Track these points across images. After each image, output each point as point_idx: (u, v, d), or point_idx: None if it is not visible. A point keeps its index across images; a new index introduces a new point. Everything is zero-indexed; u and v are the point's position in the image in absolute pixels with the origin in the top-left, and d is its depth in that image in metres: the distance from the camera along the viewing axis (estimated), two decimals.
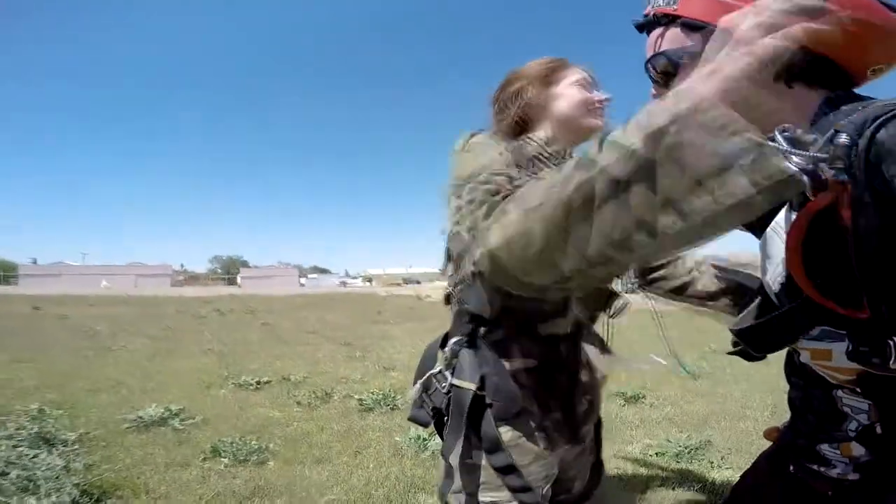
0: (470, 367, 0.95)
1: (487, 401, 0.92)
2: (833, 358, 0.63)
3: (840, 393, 0.67)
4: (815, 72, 0.64)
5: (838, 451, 0.69)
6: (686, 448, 2.74)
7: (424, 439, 2.77)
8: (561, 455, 0.99)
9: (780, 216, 0.64)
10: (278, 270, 71.32)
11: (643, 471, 2.53)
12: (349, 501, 2.18)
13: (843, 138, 0.53)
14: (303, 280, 68.63)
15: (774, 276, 0.67)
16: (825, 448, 0.71)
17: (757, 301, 0.71)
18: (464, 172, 0.91)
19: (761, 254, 0.70)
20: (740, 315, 0.73)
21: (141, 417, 3.22)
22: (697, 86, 0.50)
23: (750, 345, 0.67)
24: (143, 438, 2.95)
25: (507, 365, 0.95)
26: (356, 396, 3.87)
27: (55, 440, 2.70)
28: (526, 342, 0.97)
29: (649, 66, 0.74)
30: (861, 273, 0.52)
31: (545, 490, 0.95)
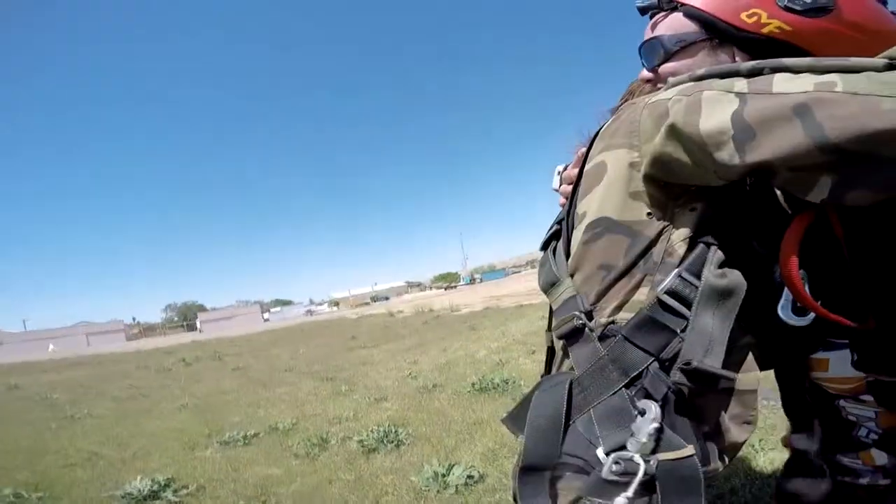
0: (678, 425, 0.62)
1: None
2: (830, 368, 0.63)
3: (843, 403, 0.66)
4: None
5: (860, 461, 0.67)
6: None
7: (443, 475, 2.67)
8: None
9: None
10: (239, 309, 69.11)
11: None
12: None
13: None
14: (266, 315, 66.69)
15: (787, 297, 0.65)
16: (845, 460, 0.69)
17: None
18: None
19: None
20: None
21: (129, 493, 2.99)
22: None
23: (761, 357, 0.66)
24: None
25: None
26: (355, 438, 3.73)
27: None
28: None
29: (643, 48, 0.75)
30: (862, 283, 0.52)
31: None
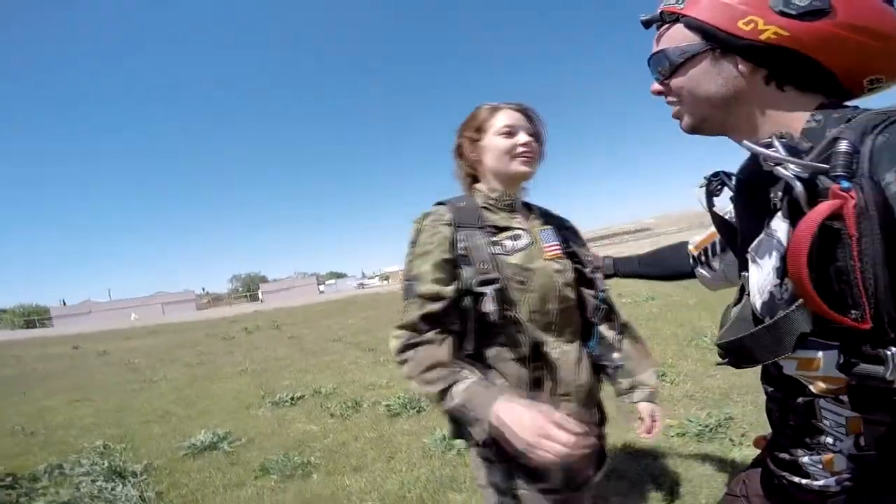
0: None
1: None
2: (820, 367, 0.62)
3: (823, 402, 0.66)
4: (808, 77, 0.64)
5: (820, 465, 0.68)
6: (707, 427, 2.73)
7: (450, 439, 3.01)
8: None
9: (775, 223, 0.64)
10: (297, 281, 72.06)
11: (664, 454, 2.56)
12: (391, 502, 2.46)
13: (843, 146, 0.54)
14: (321, 287, 69.26)
15: (763, 285, 0.66)
16: (806, 460, 0.70)
17: (737, 313, 0.72)
18: (410, 271, 1.12)
19: (746, 264, 0.70)
20: (723, 329, 0.73)
21: (193, 444, 3.56)
22: (491, 411, 0.91)
23: (737, 357, 0.66)
24: (199, 463, 3.29)
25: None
26: (384, 403, 4.17)
27: (125, 472, 3.05)
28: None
29: (650, 62, 0.75)
30: (865, 282, 0.51)
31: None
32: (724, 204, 0.86)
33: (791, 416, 0.70)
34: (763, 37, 0.62)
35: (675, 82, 0.72)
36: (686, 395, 3.45)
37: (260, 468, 3.03)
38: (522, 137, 1.20)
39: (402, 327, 1.09)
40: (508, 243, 1.16)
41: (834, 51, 0.61)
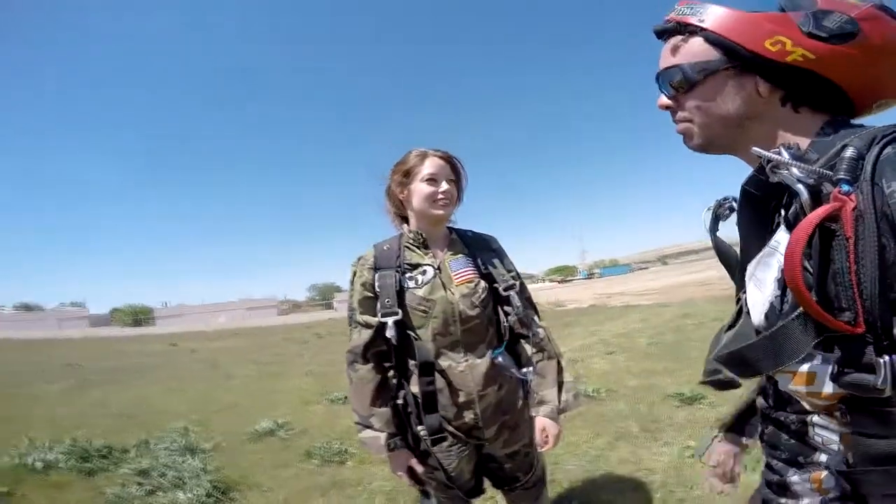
0: None
1: None
2: (816, 382, 0.60)
3: (816, 419, 0.64)
4: (824, 98, 0.64)
5: (808, 483, 0.66)
6: (699, 450, 2.59)
7: None
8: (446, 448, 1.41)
9: (778, 236, 0.64)
10: None
11: (668, 472, 2.55)
12: (399, 492, 2.71)
13: (850, 152, 0.54)
14: None
15: (764, 299, 0.64)
16: (795, 479, 0.68)
17: (735, 332, 0.71)
18: (350, 304, 1.47)
19: (747, 278, 0.69)
20: (721, 343, 0.72)
21: (256, 430, 4.07)
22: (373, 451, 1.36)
23: (738, 369, 0.64)
24: (257, 446, 3.78)
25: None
26: None
27: (196, 449, 3.59)
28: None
29: (662, 76, 0.71)
30: (860, 284, 0.50)
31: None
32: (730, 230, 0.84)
33: (785, 433, 0.69)
34: (789, 58, 0.60)
35: (688, 99, 0.70)
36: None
37: (305, 453, 3.43)
38: (443, 185, 1.43)
39: (349, 351, 1.45)
40: (419, 277, 1.41)
41: (857, 74, 0.61)
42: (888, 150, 0.53)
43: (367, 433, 1.40)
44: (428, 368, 1.34)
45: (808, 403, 0.64)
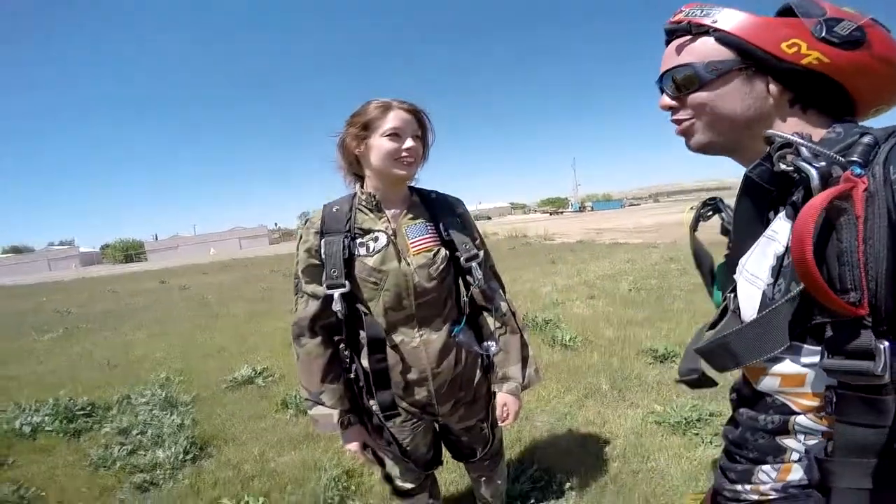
0: None
1: None
2: (807, 383, 0.61)
3: (801, 419, 0.65)
4: (831, 101, 0.67)
5: (775, 475, 0.68)
6: (686, 419, 2.64)
7: None
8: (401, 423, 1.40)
9: (776, 225, 0.65)
10: None
11: (629, 439, 2.57)
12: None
13: (868, 139, 0.57)
14: None
15: (759, 289, 0.65)
16: (765, 468, 0.69)
17: (719, 327, 0.71)
18: (295, 272, 1.37)
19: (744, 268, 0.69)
20: (707, 334, 0.73)
21: (235, 378, 4.12)
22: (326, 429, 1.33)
23: (720, 360, 0.65)
24: (235, 396, 3.84)
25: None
26: None
27: (177, 402, 3.65)
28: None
29: (668, 75, 0.73)
30: (867, 264, 0.51)
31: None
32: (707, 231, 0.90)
33: (758, 434, 0.70)
34: (805, 61, 0.63)
35: (697, 98, 0.71)
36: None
37: (281, 402, 3.49)
38: (408, 143, 1.25)
39: (295, 324, 1.35)
40: (371, 244, 1.29)
41: (864, 79, 0.64)
42: None
43: (318, 410, 1.35)
44: (378, 345, 1.27)
45: (796, 405, 0.64)
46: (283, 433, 3.06)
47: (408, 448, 1.43)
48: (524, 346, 1.47)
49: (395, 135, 1.24)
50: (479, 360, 1.47)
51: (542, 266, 10.29)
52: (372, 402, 1.35)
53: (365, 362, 1.31)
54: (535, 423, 2.85)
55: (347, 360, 1.37)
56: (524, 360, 1.45)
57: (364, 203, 1.32)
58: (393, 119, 1.24)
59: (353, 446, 1.39)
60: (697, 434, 2.56)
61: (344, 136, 1.31)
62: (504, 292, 1.49)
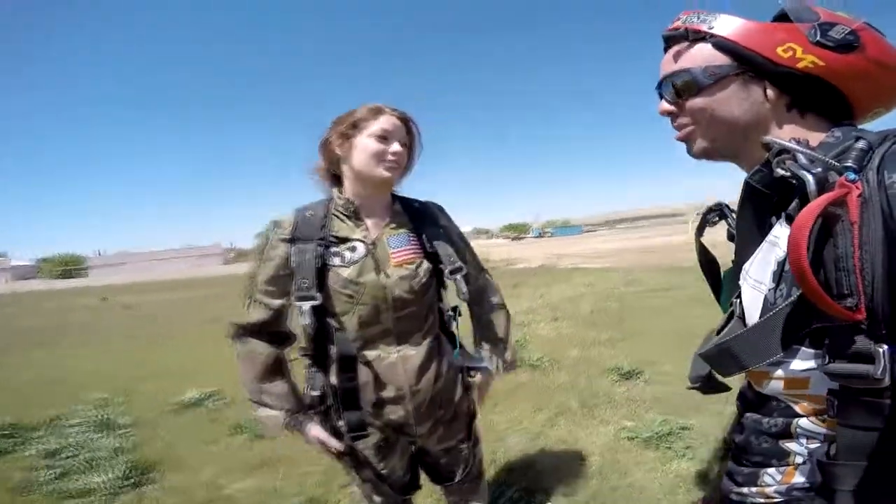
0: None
1: None
2: (810, 386, 0.61)
3: (803, 422, 0.65)
4: (828, 105, 0.67)
5: (779, 477, 0.68)
6: (657, 434, 2.67)
7: None
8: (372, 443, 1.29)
9: (777, 231, 0.65)
10: None
11: (604, 456, 2.56)
12: (335, 472, 2.53)
13: (861, 143, 0.57)
14: None
15: (763, 294, 0.65)
16: (770, 471, 0.69)
17: (725, 331, 0.71)
18: (252, 275, 1.27)
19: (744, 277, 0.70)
20: (713, 341, 0.71)
21: (182, 401, 3.84)
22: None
23: (723, 365, 0.65)
24: (183, 419, 3.55)
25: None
26: None
27: (114, 424, 3.33)
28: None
29: (667, 80, 0.73)
30: (863, 269, 0.51)
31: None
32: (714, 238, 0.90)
33: (762, 437, 0.70)
34: (800, 65, 0.63)
35: (695, 103, 0.71)
36: (654, 398, 3.35)
37: (235, 427, 3.25)
38: (395, 146, 1.21)
39: (238, 325, 1.27)
40: (347, 254, 1.21)
41: (860, 82, 0.65)
42: None
43: (264, 411, 1.27)
44: (348, 363, 1.18)
45: (800, 408, 0.64)
46: (236, 458, 2.83)
47: (383, 471, 1.32)
48: (502, 356, 1.46)
49: (382, 137, 1.19)
50: (459, 375, 1.40)
51: (506, 289, 9.99)
52: (340, 423, 1.25)
53: (334, 379, 1.23)
54: (509, 444, 2.76)
55: (313, 377, 1.27)
56: (507, 345, 1.47)
57: (341, 209, 1.24)
58: (383, 122, 1.20)
59: (315, 436, 1.26)
60: (670, 448, 2.56)
61: (328, 136, 1.25)
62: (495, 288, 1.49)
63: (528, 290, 9.82)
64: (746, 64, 0.66)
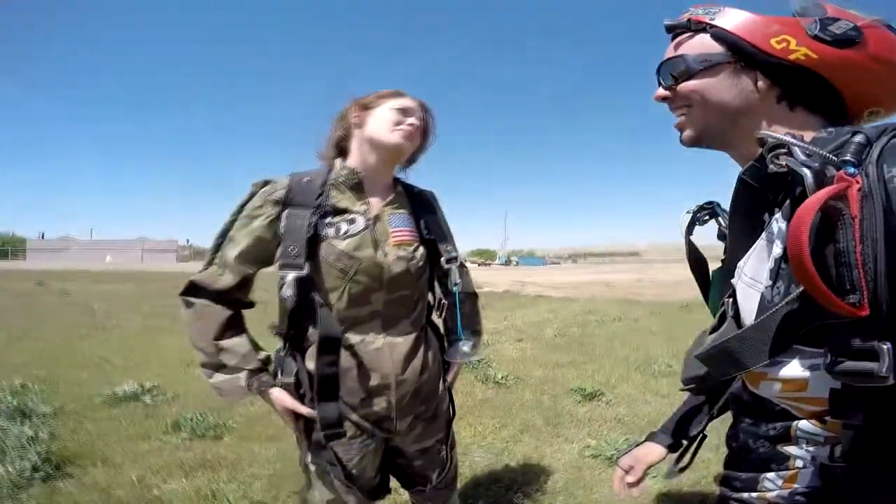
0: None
1: None
2: (809, 387, 0.60)
3: (802, 424, 0.63)
4: (820, 100, 0.67)
5: (780, 482, 0.66)
6: (621, 452, 2.60)
7: None
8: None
9: (774, 227, 0.64)
10: None
11: (569, 472, 2.54)
12: (285, 477, 2.37)
13: (859, 137, 0.56)
14: None
15: (759, 291, 0.64)
16: (770, 476, 0.67)
17: (719, 332, 0.70)
18: (226, 230, 1.15)
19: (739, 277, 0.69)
20: (707, 339, 0.71)
21: (115, 393, 3.48)
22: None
23: (721, 365, 0.64)
24: (114, 413, 3.20)
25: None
26: None
27: (31, 413, 2.96)
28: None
29: (664, 67, 0.75)
30: (865, 264, 0.50)
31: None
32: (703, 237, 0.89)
33: (759, 441, 0.69)
34: (793, 57, 0.63)
35: (686, 86, 0.72)
36: (616, 419, 3.42)
37: (172, 424, 2.96)
38: (412, 119, 1.19)
39: (196, 285, 1.14)
40: (343, 226, 1.14)
41: (854, 78, 0.64)
42: (895, 140, 0.54)
43: (219, 377, 1.12)
44: (331, 345, 1.06)
45: (798, 411, 0.63)
46: (171, 457, 2.54)
47: (353, 471, 1.18)
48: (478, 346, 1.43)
49: (401, 111, 1.18)
50: (442, 370, 1.32)
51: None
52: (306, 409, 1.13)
53: (311, 364, 1.11)
54: (474, 459, 2.64)
55: (285, 362, 1.15)
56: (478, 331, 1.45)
57: (343, 178, 1.18)
58: (404, 101, 1.20)
59: (280, 400, 1.12)
60: None
61: (347, 108, 1.23)
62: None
63: (494, 312, 9.79)
64: (738, 53, 0.67)
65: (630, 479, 1.06)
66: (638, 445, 1.09)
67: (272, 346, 1.22)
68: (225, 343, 1.11)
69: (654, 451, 1.06)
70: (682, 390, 0.83)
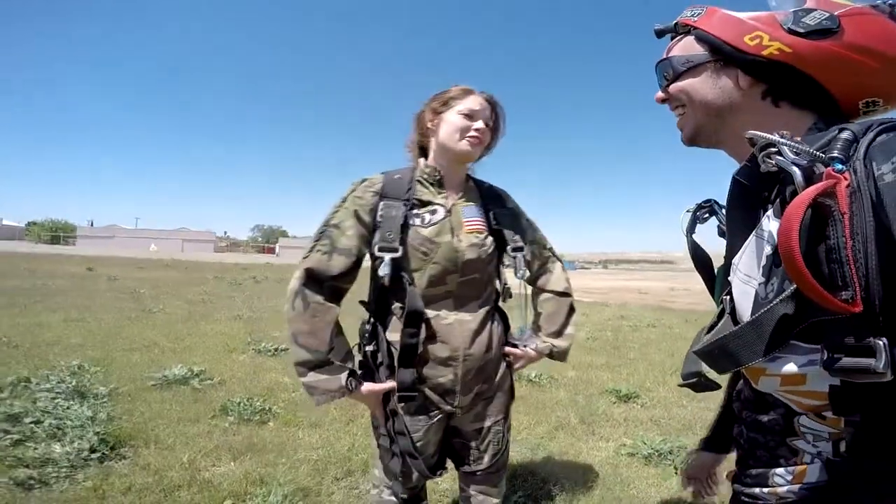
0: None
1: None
2: (806, 383, 0.59)
3: (804, 420, 0.63)
4: (805, 95, 0.66)
5: (790, 477, 0.66)
6: (657, 451, 2.71)
7: None
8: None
9: (766, 224, 0.63)
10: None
11: (605, 468, 2.57)
12: (329, 463, 2.46)
13: (846, 134, 0.56)
14: None
15: (753, 288, 0.63)
16: (780, 471, 0.67)
17: (717, 328, 0.70)
18: (331, 220, 1.27)
19: (732, 271, 0.69)
20: (705, 337, 0.70)
21: (165, 376, 3.64)
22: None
23: (718, 362, 0.63)
24: (164, 395, 3.35)
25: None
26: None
27: (88, 393, 3.13)
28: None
29: (657, 69, 0.79)
30: (856, 260, 0.50)
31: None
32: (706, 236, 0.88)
33: (767, 436, 0.69)
34: (766, 52, 0.64)
35: (675, 87, 0.75)
36: (651, 420, 3.44)
37: (220, 408, 3.08)
38: (479, 124, 1.31)
39: (307, 272, 1.21)
40: (427, 216, 1.29)
41: (833, 69, 0.62)
42: (883, 136, 0.53)
43: (314, 376, 1.18)
44: (415, 318, 1.22)
45: (797, 405, 0.63)
46: (220, 441, 2.65)
47: (418, 444, 1.28)
48: (571, 312, 1.51)
49: (468, 115, 1.30)
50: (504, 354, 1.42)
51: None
52: (390, 382, 1.26)
53: (392, 336, 1.25)
54: (510, 452, 2.62)
55: (370, 333, 1.29)
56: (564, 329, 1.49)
57: (426, 175, 1.34)
58: (471, 101, 1.32)
59: (370, 389, 1.23)
60: (671, 464, 2.61)
61: (423, 109, 1.37)
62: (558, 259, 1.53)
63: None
64: (718, 53, 0.69)
65: (697, 488, 1.12)
66: (691, 456, 1.13)
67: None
68: (336, 341, 1.20)
69: (708, 458, 1.09)
70: (681, 385, 0.83)
